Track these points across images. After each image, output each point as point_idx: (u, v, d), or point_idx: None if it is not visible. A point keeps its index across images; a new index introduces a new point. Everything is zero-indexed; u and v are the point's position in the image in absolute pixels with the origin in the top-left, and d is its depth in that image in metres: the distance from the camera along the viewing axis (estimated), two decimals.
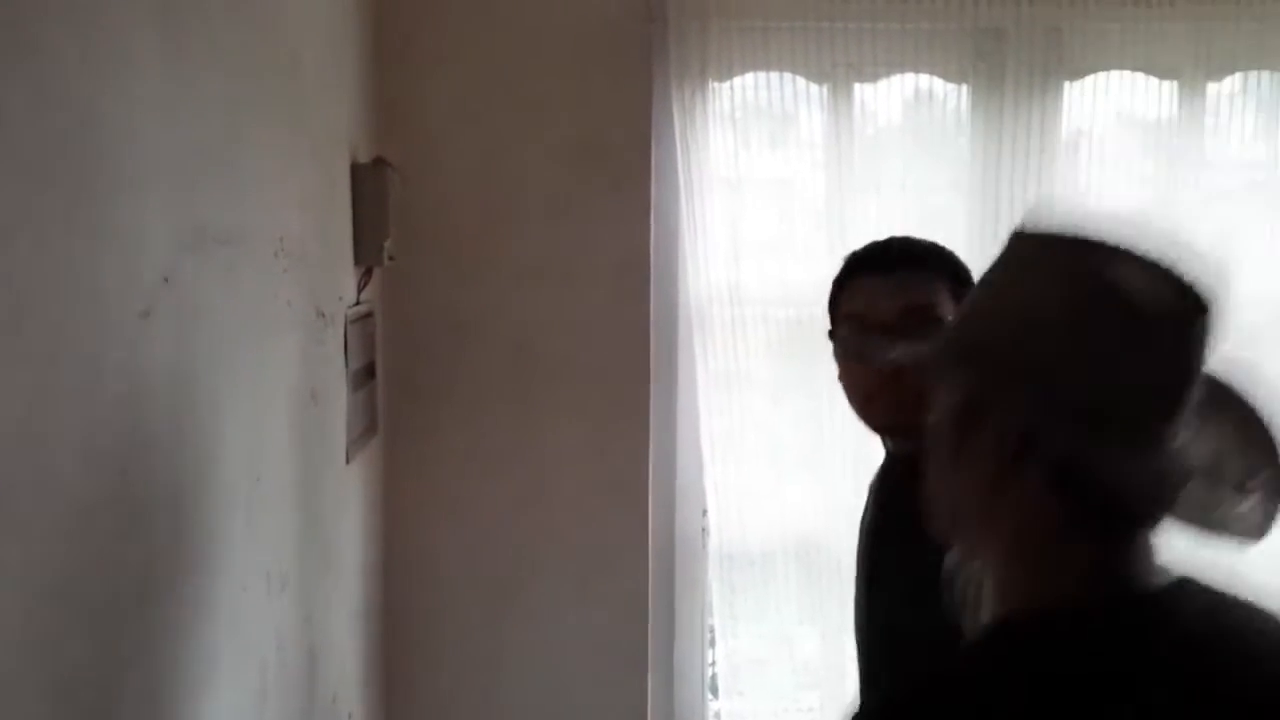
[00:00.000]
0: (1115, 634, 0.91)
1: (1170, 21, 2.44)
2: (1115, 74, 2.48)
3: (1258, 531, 0.94)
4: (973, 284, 1.35)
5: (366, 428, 2.20)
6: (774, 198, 2.59)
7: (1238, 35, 2.44)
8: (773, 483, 2.50)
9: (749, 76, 2.48)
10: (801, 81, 2.48)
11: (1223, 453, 0.97)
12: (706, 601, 2.61)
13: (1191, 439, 0.94)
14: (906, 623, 1.46)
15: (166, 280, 1.15)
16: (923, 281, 1.52)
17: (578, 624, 2.49)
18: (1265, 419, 1.02)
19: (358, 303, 2.10)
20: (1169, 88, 2.48)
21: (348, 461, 2.03)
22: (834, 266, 2.31)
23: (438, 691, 2.50)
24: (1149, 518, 0.92)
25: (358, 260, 2.08)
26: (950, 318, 1.43)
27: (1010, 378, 0.93)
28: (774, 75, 2.48)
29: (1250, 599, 0.98)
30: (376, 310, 2.28)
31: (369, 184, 2.08)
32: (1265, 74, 2.48)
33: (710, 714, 2.68)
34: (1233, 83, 2.49)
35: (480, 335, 2.43)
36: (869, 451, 1.65)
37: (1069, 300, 0.92)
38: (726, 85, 2.47)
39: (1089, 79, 2.48)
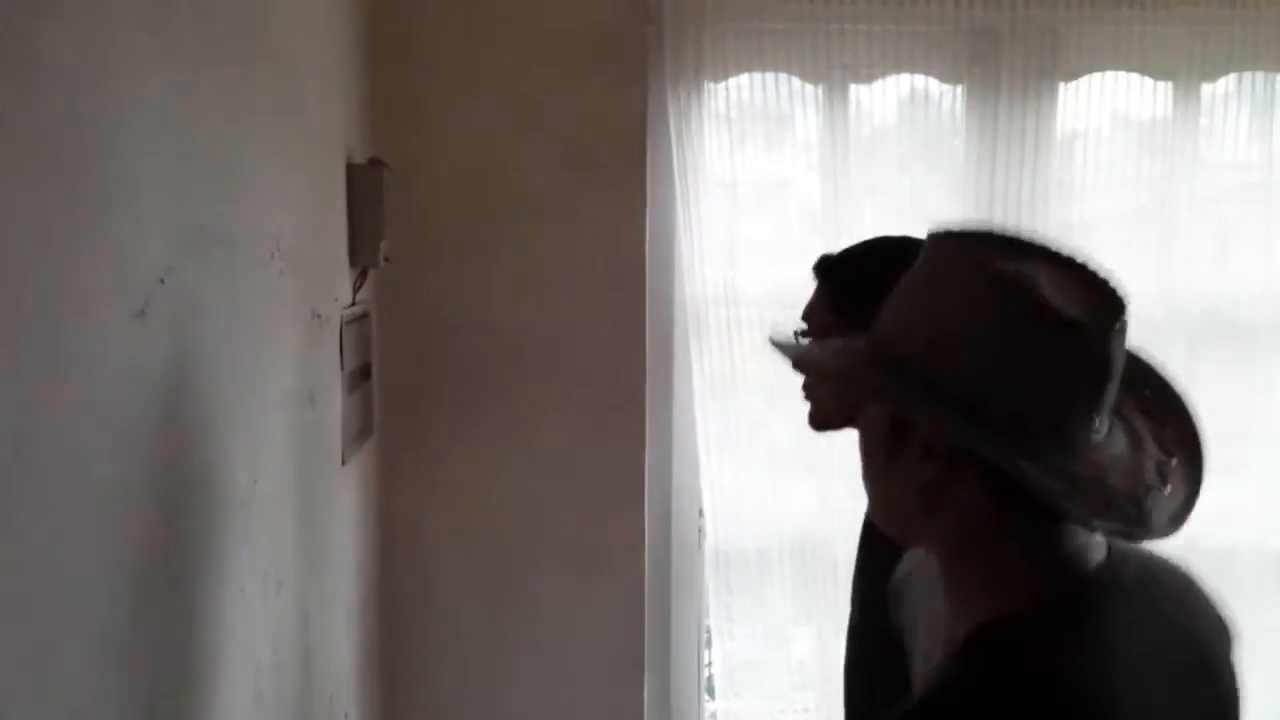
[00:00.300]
0: (1088, 619, 0.95)
1: (1165, 23, 2.45)
2: (1110, 75, 2.48)
3: (1175, 522, 0.97)
4: (859, 288, 1.46)
5: (362, 429, 2.19)
6: (769, 198, 2.60)
7: (1232, 36, 2.45)
8: (769, 483, 2.51)
9: (744, 78, 2.48)
10: (797, 82, 2.48)
11: (1141, 445, 1.01)
12: (703, 602, 2.61)
13: (1110, 434, 0.98)
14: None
15: (162, 281, 1.15)
16: (815, 295, 1.65)
17: (574, 625, 2.49)
18: (1180, 406, 1.08)
19: (353, 304, 2.10)
20: (1164, 89, 2.48)
21: (343, 463, 2.03)
22: None
23: (434, 692, 2.50)
24: (1077, 513, 0.93)
25: (353, 261, 2.08)
26: (828, 325, 1.56)
27: (930, 391, 0.95)
28: (769, 76, 2.48)
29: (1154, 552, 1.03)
30: (372, 311, 2.28)
31: (364, 185, 2.08)
32: (1259, 75, 2.48)
33: (707, 714, 2.68)
34: (1227, 84, 2.49)
35: (476, 336, 2.43)
36: None
37: (985, 310, 0.94)
38: (722, 86, 2.47)
39: (1084, 80, 2.48)
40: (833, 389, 1.56)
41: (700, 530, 2.59)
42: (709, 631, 2.64)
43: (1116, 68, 2.47)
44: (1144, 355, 1.09)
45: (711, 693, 2.68)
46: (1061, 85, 2.49)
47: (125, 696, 1.10)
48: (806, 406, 1.68)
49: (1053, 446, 0.93)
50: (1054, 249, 0.99)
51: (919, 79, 2.51)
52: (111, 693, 1.07)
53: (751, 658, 2.56)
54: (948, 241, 1.02)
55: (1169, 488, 0.99)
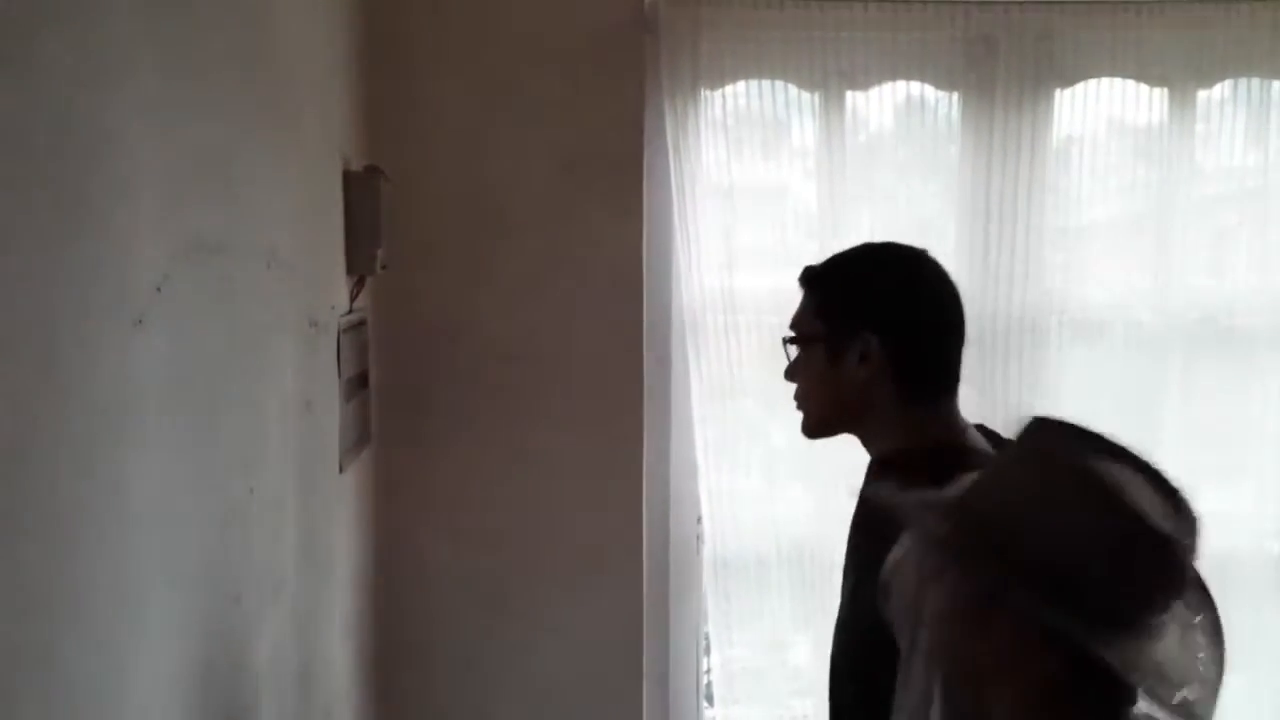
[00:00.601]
0: None
1: (1160, 29, 2.45)
2: (1106, 81, 2.49)
3: (1205, 714, 1.10)
4: (843, 294, 1.64)
5: (359, 436, 2.19)
6: (766, 205, 2.60)
7: (1227, 42, 2.45)
8: (767, 489, 2.51)
9: (741, 85, 2.48)
10: (794, 89, 2.48)
11: (1185, 639, 1.15)
12: (701, 609, 2.60)
13: (1172, 624, 1.12)
14: (846, 617, 1.65)
15: (159, 290, 1.15)
16: (802, 303, 1.70)
17: (572, 632, 2.48)
18: (1210, 600, 1.20)
19: (350, 311, 2.10)
20: (1159, 94, 2.49)
21: (341, 470, 2.03)
22: None
23: (432, 700, 2.49)
24: (1138, 692, 1.08)
25: (350, 269, 2.08)
26: (814, 343, 1.65)
27: (1039, 582, 1.08)
28: (766, 84, 2.48)
29: None
30: (369, 319, 2.28)
31: (361, 193, 2.08)
32: (1255, 81, 2.49)
33: None
34: (1222, 90, 2.50)
35: (473, 343, 2.43)
36: (862, 458, 1.66)
37: (1088, 515, 1.09)
38: (718, 93, 2.48)
39: (1080, 86, 2.49)
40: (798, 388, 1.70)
41: (698, 537, 2.59)
42: (707, 638, 2.64)
43: (1112, 74, 2.48)
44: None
45: (710, 700, 2.68)
46: (1057, 92, 2.49)
47: (122, 705, 1.10)
48: (800, 415, 1.71)
49: (1130, 639, 1.08)
50: (1138, 455, 1.14)
51: (915, 86, 2.51)
52: (108, 701, 1.07)
53: (750, 665, 2.55)
54: (1043, 430, 1.18)
55: (1204, 678, 1.13)
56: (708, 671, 2.68)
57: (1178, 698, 1.08)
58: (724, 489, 2.51)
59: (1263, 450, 2.58)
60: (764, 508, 2.51)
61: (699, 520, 2.58)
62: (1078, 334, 2.56)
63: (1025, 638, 1.10)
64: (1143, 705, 1.08)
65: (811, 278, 1.70)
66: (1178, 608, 1.15)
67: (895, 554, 1.41)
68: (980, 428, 1.66)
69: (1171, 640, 1.12)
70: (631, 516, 2.45)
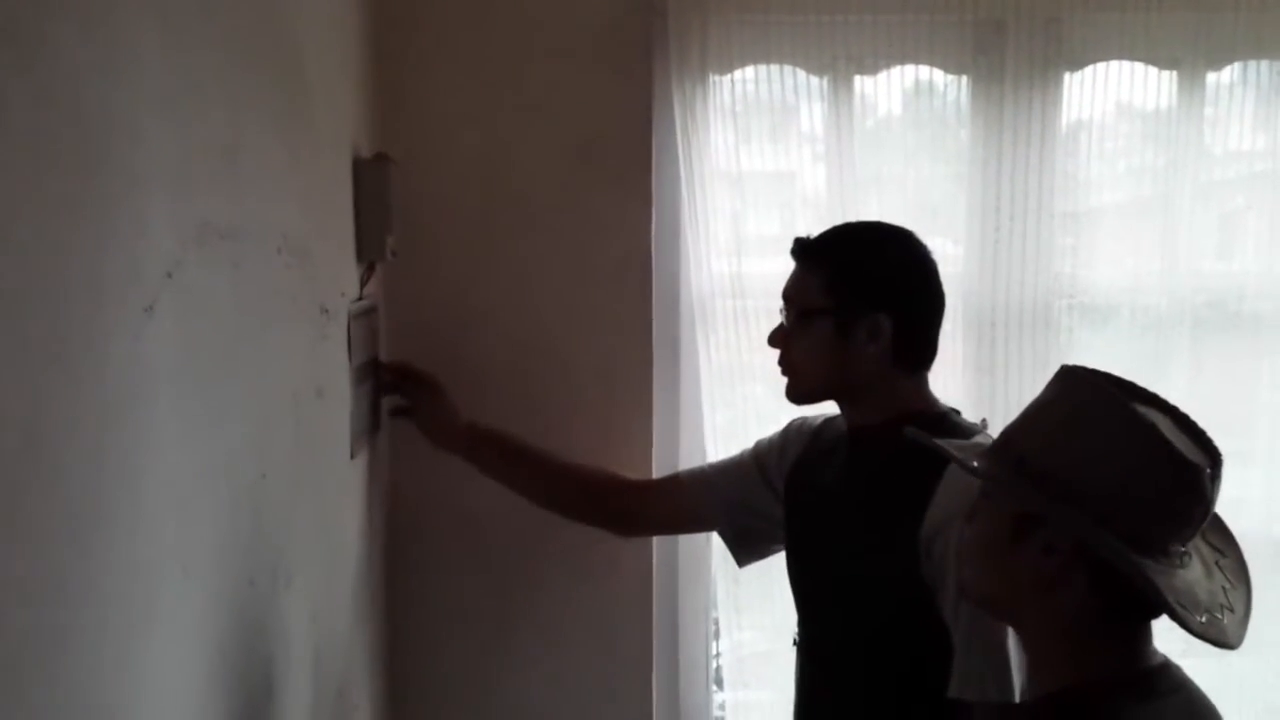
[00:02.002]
0: (1159, 691, 1.22)
1: (1169, 11, 2.44)
2: (1115, 64, 2.47)
3: (1236, 638, 1.22)
4: (857, 273, 1.75)
5: (370, 423, 2.20)
6: (775, 190, 2.60)
7: (1237, 24, 2.44)
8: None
9: (749, 70, 2.48)
10: (802, 74, 2.48)
11: (1211, 571, 1.26)
12: (710, 593, 2.61)
13: (1191, 557, 1.23)
14: (869, 571, 1.73)
15: (170, 275, 1.16)
16: (801, 274, 1.80)
17: (582, 617, 2.49)
18: (1234, 541, 1.34)
19: (360, 298, 2.11)
20: (1168, 77, 2.48)
21: (352, 456, 2.04)
22: None
23: (443, 685, 2.51)
24: (1160, 613, 1.18)
25: (360, 256, 2.09)
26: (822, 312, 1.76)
27: (1069, 502, 1.18)
28: (774, 68, 2.48)
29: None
30: (380, 306, 2.28)
31: (371, 180, 2.09)
32: (1264, 63, 2.47)
33: (715, 706, 2.69)
34: (1232, 72, 2.48)
35: (483, 330, 2.44)
36: None
37: (1123, 444, 1.19)
38: (727, 79, 2.47)
39: (1089, 69, 2.48)
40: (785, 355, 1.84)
41: None
42: (717, 623, 2.64)
43: (1121, 57, 2.47)
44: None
45: (720, 684, 2.69)
46: (1066, 75, 2.48)
47: (135, 689, 1.11)
48: (784, 380, 1.87)
49: (1159, 556, 1.17)
50: (1163, 399, 1.25)
51: (924, 70, 2.51)
52: (120, 685, 1.08)
53: (760, 649, 2.56)
54: (1085, 379, 1.27)
55: (1234, 608, 1.24)
56: (717, 656, 2.69)
57: (1205, 618, 1.17)
58: None
59: (1271, 434, 2.58)
60: None
61: None
62: (1086, 317, 2.55)
63: (1057, 562, 1.20)
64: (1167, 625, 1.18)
65: (811, 251, 1.78)
66: (1201, 543, 1.26)
67: (935, 513, 1.55)
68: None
69: (1197, 570, 1.21)
70: None
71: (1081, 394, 1.26)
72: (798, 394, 1.86)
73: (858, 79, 2.48)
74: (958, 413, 1.85)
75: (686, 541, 2.58)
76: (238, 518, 1.41)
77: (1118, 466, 1.19)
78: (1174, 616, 1.16)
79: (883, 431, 1.73)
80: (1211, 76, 2.48)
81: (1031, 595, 1.24)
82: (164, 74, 1.16)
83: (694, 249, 2.48)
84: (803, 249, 1.79)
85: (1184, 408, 2.42)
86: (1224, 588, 1.24)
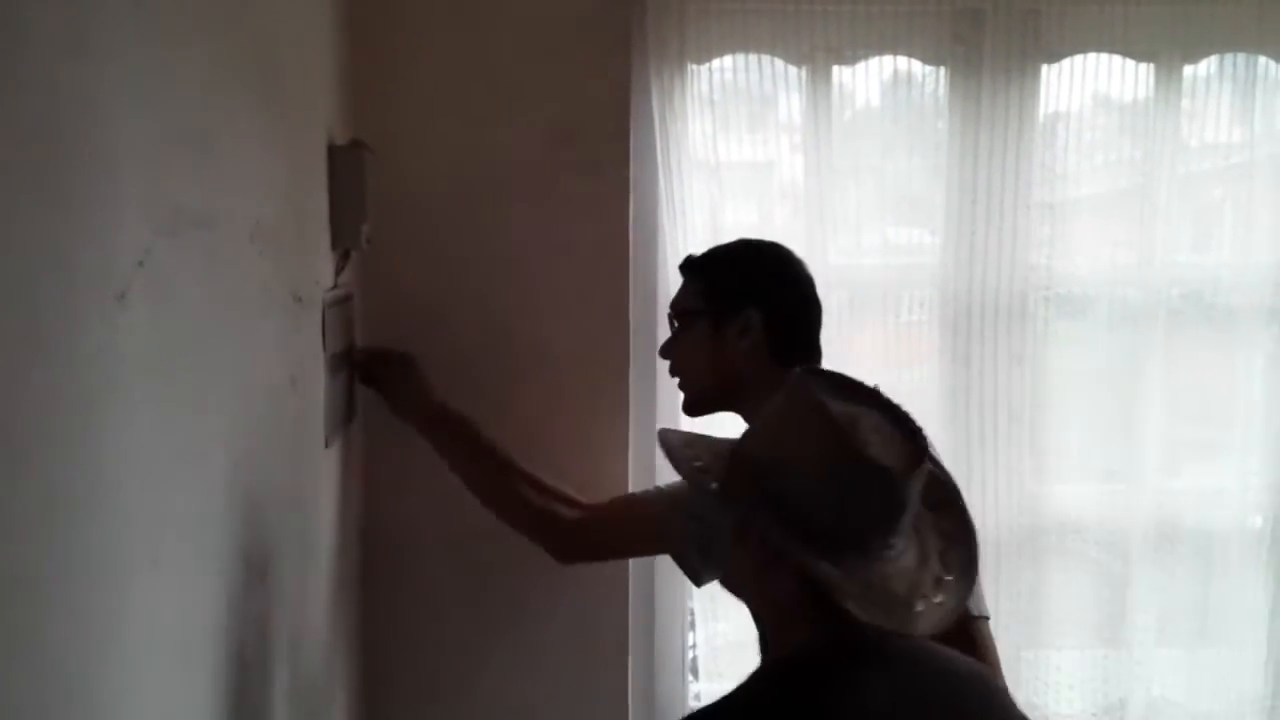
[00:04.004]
0: (848, 664, 1.28)
1: (1146, 4, 2.45)
2: (1092, 56, 2.49)
3: (937, 626, 1.27)
4: (727, 274, 1.94)
5: (345, 412, 2.19)
6: (753, 180, 2.60)
7: (1213, 18, 2.45)
8: None
9: (727, 59, 2.47)
10: (780, 64, 2.48)
11: (926, 561, 1.32)
12: (686, 585, 2.61)
13: (905, 549, 1.29)
14: None
15: (141, 264, 1.14)
16: (683, 285, 2.00)
17: (558, 607, 2.49)
18: (970, 535, 1.38)
19: (335, 286, 2.09)
20: (1145, 70, 2.49)
21: (326, 446, 2.03)
22: (812, 249, 2.38)
23: (418, 675, 2.50)
24: (855, 608, 1.23)
25: (335, 244, 2.07)
26: (689, 317, 1.97)
27: (767, 510, 1.27)
28: (752, 58, 2.47)
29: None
30: (354, 294, 2.27)
31: (346, 167, 2.07)
32: (1241, 56, 2.49)
33: (690, 696, 2.69)
34: (1209, 65, 2.50)
35: (458, 319, 2.42)
36: None
37: (817, 447, 1.26)
38: (705, 68, 2.47)
39: (1066, 61, 2.49)
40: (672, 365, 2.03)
41: None
42: (692, 614, 2.65)
43: (1099, 49, 2.48)
44: (952, 486, 1.43)
45: (695, 674, 2.69)
46: (1044, 67, 2.49)
47: (106, 682, 1.10)
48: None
49: (853, 558, 1.24)
50: (885, 397, 1.33)
51: (902, 61, 2.51)
52: (91, 679, 1.07)
53: (735, 639, 2.56)
54: (805, 380, 1.33)
55: (940, 598, 1.28)
56: (693, 646, 2.70)
57: (899, 611, 1.25)
58: None
59: (1245, 427, 2.60)
60: None
61: None
62: (1062, 309, 2.57)
63: (766, 557, 1.29)
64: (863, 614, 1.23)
65: (694, 265, 1.99)
66: (931, 533, 1.34)
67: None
68: None
69: (907, 560, 1.29)
70: (617, 490, 2.44)
71: (790, 395, 1.33)
72: (690, 401, 2.00)
73: (836, 69, 2.48)
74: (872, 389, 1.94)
75: None
76: (210, 507, 1.39)
77: (808, 468, 1.26)
78: (845, 608, 1.23)
79: None
80: (1188, 69, 2.49)
81: (752, 580, 1.36)
82: (136, 59, 1.14)
83: (671, 238, 2.48)
84: (686, 264, 2.00)
85: (1159, 401, 2.45)
86: (936, 578, 1.30)
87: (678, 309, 1.98)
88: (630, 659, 2.55)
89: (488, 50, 2.40)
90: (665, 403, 2.57)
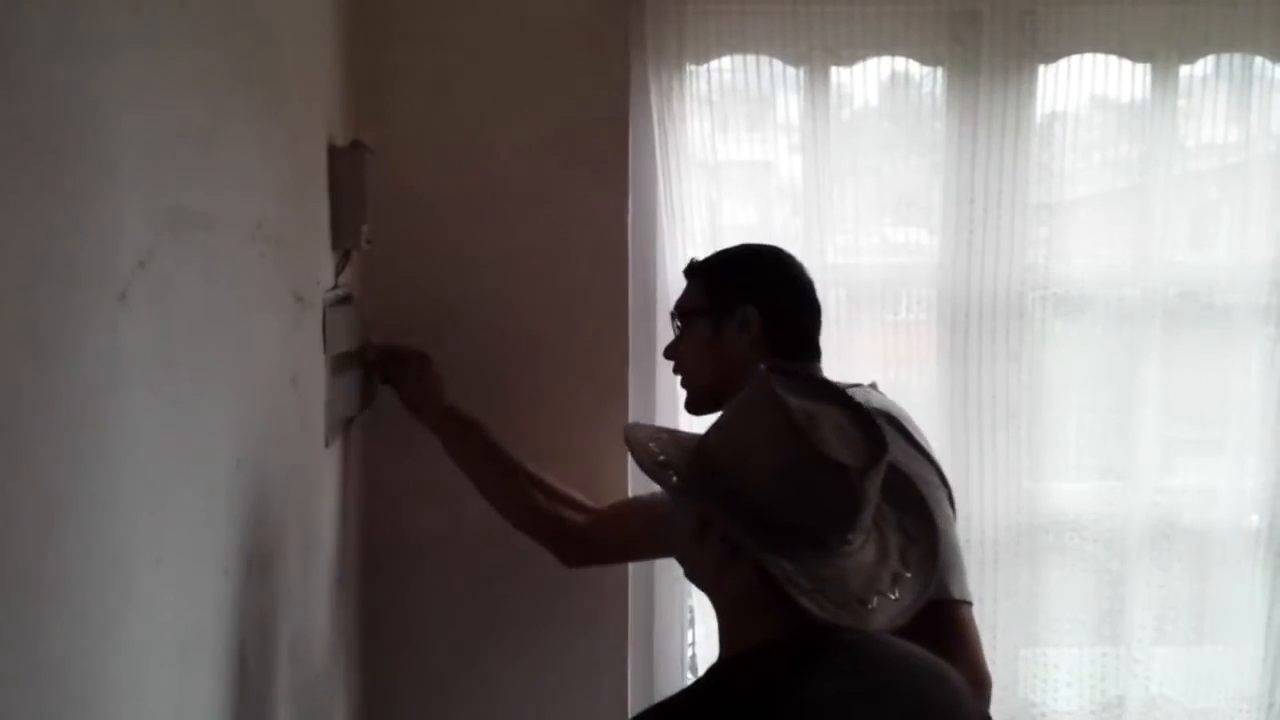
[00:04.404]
0: (803, 658, 1.28)
1: (1143, 4, 2.46)
2: (1089, 57, 2.50)
3: (893, 621, 1.27)
4: (727, 274, 1.98)
5: (357, 407, 2.20)
6: (751, 180, 2.61)
7: (1210, 18, 2.46)
8: None
9: (726, 59, 2.48)
10: (778, 64, 2.49)
11: (885, 558, 1.32)
12: (686, 583, 2.61)
13: (864, 545, 1.30)
14: None
15: (142, 264, 1.15)
16: (687, 287, 2.05)
17: (558, 605, 2.50)
18: (931, 534, 1.39)
19: (335, 287, 2.10)
20: (1142, 70, 2.50)
21: (327, 445, 2.04)
22: (810, 248, 2.39)
23: (418, 673, 2.51)
24: (807, 603, 1.23)
25: (335, 244, 2.08)
26: (689, 311, 2.02)
27: (726, 505, 1.28)
28: (751, 58, 2.48)
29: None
30: (355, 294, 2.28)
31: (346, 168, 2.08)
32: (1237, 57, 2.50)
33: None
34: (1205, 65, 2.50)
35: (458, 319, 2.43)
36: None
37: (775, 444, 1.27)
38: (703, 68, 2.48)
39: (1063, 62, 2.50)
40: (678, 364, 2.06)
41: None
42: (692, 611, 2.66)
43: (1095, 49, 2.49)
44: (915, 485, 1.44)
45: (694, 671, 2.70)
46: (1041, 67, 2.50)
47: (106, 677, 1.11)
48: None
49: (810, 553, 1.25)
50: (847, 395, 1.34)
51: (899, 61, 2.52)
52: (92, 674, 1.08)
53: None
54: (767, 377, 1.33)
55: (896, 594, 1.29)
56: (692, 644, 2.71)
57: (852, 607, 1.25)
58: None
59: (1241, 425, 2.61)
60: None
61: None
62: (1060, 309, 2.58)
63: (725, 553, 1.31)
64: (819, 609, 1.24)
65: (697, 268, 2.04)
66: (891, 530, 1.35)
67: None
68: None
69: (866, 556, 1.30)
70: (617, 490, 2.45)
71: (751, 391, 1.34)
72: (693, 400, 2.04)
73: (834, 70, 2.49)
74: (869, 385, 1.97)
75: None
76: (212, 506, 1.40)
77: (765, 464, 1.27)
78: (799, 604, 1.23)
79: None
80: (1185, 69, 2.50)
81: (712, 574, 1.36)
82: (137, 60, 1.15)
83: (670, 238, 2.49)
84: (690, 266, 2.05)
85: (1156, 401, 2.46)
86: (895, 574, 1.31)
87: (681, 309, 2.04)
88: (630, 657, 2.55)
89: (487, 51, 2.41)
90: (664, 402, 2.58)
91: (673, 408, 2.55)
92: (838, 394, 1.34)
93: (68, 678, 1.02)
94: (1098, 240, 2.60)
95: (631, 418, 2.51)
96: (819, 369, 1.97)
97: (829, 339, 2.03)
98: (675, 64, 2.45)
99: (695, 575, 1.43)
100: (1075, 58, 2.49)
